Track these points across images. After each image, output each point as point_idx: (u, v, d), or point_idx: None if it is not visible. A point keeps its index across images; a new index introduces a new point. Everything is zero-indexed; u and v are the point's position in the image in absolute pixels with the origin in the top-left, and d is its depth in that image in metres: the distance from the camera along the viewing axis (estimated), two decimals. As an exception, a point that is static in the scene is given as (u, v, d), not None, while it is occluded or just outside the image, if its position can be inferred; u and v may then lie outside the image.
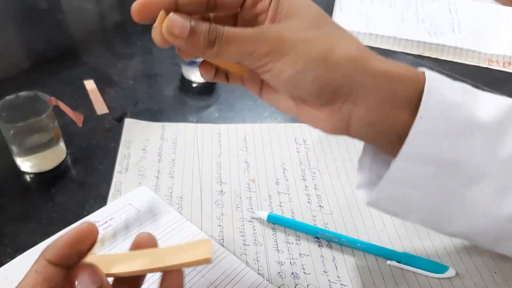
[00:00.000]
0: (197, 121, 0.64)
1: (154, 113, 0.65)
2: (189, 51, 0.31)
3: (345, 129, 0.32)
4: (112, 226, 0.48)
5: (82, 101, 0.66)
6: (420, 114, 0.30)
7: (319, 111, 0.32)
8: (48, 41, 0.78)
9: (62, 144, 0.56)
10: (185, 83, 0.72)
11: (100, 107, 0.65)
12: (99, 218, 0.49)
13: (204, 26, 0.29)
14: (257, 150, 0.60)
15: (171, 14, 0.30)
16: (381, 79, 0.30)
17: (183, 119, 0.64)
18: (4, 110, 0.51)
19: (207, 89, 0.71)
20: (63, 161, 0.56)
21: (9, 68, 0.72)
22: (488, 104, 0.32)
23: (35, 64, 0.74)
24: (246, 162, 0.58)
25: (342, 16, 0.86)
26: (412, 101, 0.30)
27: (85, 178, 0.55)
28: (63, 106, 0.54)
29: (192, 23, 0.29)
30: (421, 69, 0.32)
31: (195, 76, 0.71)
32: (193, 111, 0.66)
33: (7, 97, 0.52)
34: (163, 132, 0.61)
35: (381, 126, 0.31)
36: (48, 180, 0.54)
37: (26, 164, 0.54)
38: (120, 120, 0.63)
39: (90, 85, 0.69)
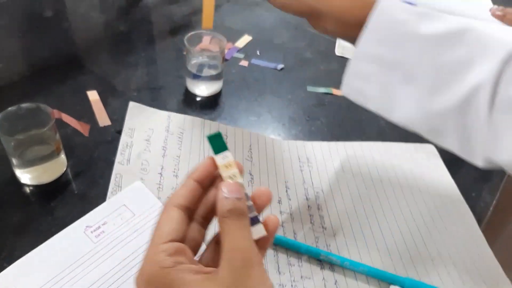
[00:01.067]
0: (200, 136, 0.63)
1: (157, 126, 0.65)
2: None
3: (325, 32, 0.47)
4: (106, 233, 0.47)
5: (85, 112, 0.65)
6: (366, 25, 0.42)
7: (309, 22, 0.48)
8: (53, 49, 0.78)
9: (63, 156, 0.56)
10: (189, 96, 0.71)
11: (103, 118, 0.64)
12: (91, 223, 0.48)
13: None
14: (261, 163, 0.59)
15: None
16: (338, 11, 0.44)
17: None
18: (6, 121, 0.51)
19: (211, 103, 0.71)
20: (63, 174, 0.56)
21: (12, 75, 0.71)
22: (439, 22, 0.41)
23: (38, 72, 0.73)
24: (250, 174, 0.57)
25: None
26: (363, 24, 0.42)
27: (85, 191, 0.54)
28: (66, 118, 0.53)
29: None
30: None
31: (199, 90, 0.71)
32: (196, 125, 0.66)
33: (9, 109, 0.51)
34: (169, 124, 0.61)
35: (347, 38, 0.46)
36: (48, 192, 0.54)
37: (25, 176, 0.54)
38: (121, 132, 0.62)
39: (93, 95, 0.68)
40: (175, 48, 0.82)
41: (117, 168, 0.54)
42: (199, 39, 0.69)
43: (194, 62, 0.70)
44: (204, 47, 0.70)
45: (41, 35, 0.82)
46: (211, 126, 0.62)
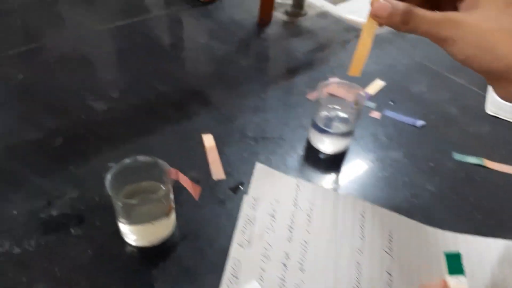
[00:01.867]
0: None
1: (274, 186, 0.56)
2: (389, 26, 0.39)
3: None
4: None
5: (198, 160, 0.59)
6: None
7: (493, 83, 0.37)
8: (168, 82, 0.74)
9: (173, 217, 0.50)
10: (311, 151, 0.62)
11: (217, 170, 0.58)
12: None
13: (400, 9, 0.37)
14: (401, 256, 0.48)
15: (376, 1, 0.38)
16: None
17: (308, 200, 0.54)
18: (119, 174, 0.45)
19: (335, 162, 0.61)
20: (170, 237, 0.49)
21: (126, 109, 0.68)
22: None
23: (153, 106, 0.69)
24: (389, 274, 0.46)
25: None
26: None
27: (191, 263, 0.47)
28: (183, 179, 0.47)
29: (391, 5, 0.38)
30: None
31: (324, 146, 0.61)
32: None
33: (126, 161, 0.46)
34: (297, 195, 0.52)
35: None
36: (151, 257, 0.47)
37: (130, 236, 0.48)
38: (236, 191, 0.55)
39: (209, 141, 0.62)
40: (296, 90, 0.74)
41: (235, 251, 0.46)
42: (326, 83, 0.60)
43: (324, 114, 0.60)
44: (334, 93, 0.61)
45: (158, 64, 0.78)
46: (346, 203, 0.52)
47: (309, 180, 0.58)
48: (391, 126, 0.67)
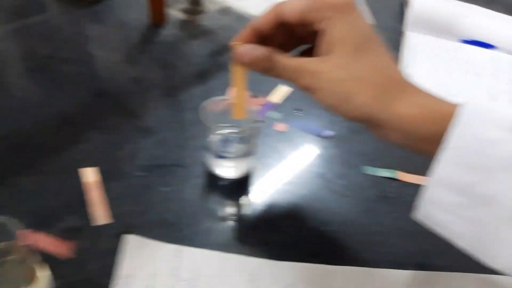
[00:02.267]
0: (224, 247, 0.47)
1: (169, 225, 0.49)
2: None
3: (387, 139, 0.36)
4: None
5: (76, 202, 0.50)
6: (444, 143, 0.32)
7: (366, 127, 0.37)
8: (35, 107, 0.63)
9: (41, 283, 0.40)
10: (211, 178, 0.55)
11: (101, 213, 0.49)
12: None
13: (260, 55, 0.37)
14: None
15: (239, 46, 0.38)
16: (403, 121, 0.34)
17: (210, 238, 0.48)
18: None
19: (239, 188, 0.55)
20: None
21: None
22: None
23: (16, 141, 0.58)
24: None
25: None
26: (439, 139, 0.32)
27: None
28: (41, 240, 0.38)
29: (252, 51, 0.37)
30: (463, 104, 0.33)
31: (223, 171, 0.55)
32: (221, 225, 0.50)
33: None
34: (177, 265, 0.45)
35: (415, 149, 0.35)
36: None
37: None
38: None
39: (90, 176, 0.53)
40: (193, 103, 0.66)
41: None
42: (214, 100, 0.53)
43: (217, 137, 0.53)
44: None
45: (27, 84, 0.67)
46: (232, 263, 0.45)
47: (209, 213, 0.51)
48: (299, 139, 0.62)
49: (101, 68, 0.72)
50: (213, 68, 0.74)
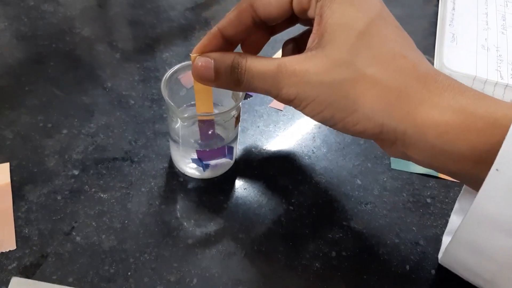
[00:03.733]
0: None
1: (103, 253, 0.33)
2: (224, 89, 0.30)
3: (406, 158, 0.27)
4: None
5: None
6: (496, 167, 0.23)
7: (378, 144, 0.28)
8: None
9: None
10: (174, 178, 0.39)
11: (7, 236, 0.33)
12: None
13: (225, 68, 0.28)
14: None
15: (197, 59, 0.29)
16: (432, 133, 0.24)
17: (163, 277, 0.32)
18: None
19: (216, 190, 0.39)
20: None
21: None
22: None
23: None
24: None
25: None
26: (488, 157, 0.23)
27: None
28: None
29: (214, 64, 0.28)
30: None
31: (200, 172, 0.39)
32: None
33: None
34: None
35: (449, 173, 0.26)
36: None
37: None
38: (35, 272, 0.31)
39: (-3, 178, 0.37)
40: (160, 72, 0.49)
41: None
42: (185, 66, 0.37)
43: (185, 124, 0.37)
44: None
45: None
46: None
47: (168, 233, 0.35)
48: (298, 119, 0.45)
49: (45, 24, 0.55)
50: (193, 25, 0.56)
